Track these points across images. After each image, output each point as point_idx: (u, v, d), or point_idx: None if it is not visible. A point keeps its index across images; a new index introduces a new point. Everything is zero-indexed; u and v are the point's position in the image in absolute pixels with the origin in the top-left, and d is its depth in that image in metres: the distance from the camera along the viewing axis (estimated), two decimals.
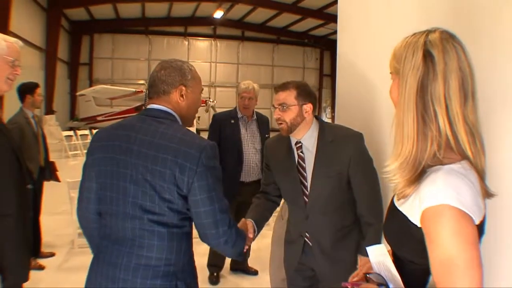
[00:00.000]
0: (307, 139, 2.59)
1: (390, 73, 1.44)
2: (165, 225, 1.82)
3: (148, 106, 2.00)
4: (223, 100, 30.79)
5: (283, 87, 2.56)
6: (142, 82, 26.68)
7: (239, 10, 26.67)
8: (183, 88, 1.99)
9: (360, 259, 2.52)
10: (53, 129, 20.24)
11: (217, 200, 1.86)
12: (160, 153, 1.80)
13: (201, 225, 1.86)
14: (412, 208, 1.32)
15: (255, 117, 4.81)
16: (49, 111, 21.24)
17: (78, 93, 23.47)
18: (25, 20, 18.40)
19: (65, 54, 25.82)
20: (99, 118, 21.99)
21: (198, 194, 1.80)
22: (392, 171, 1.35)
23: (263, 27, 30.57)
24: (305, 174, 2.59)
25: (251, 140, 4.69)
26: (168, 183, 1.79)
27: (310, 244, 2.65)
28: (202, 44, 31.65)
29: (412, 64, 1.30)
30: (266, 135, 4.71)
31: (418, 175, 1.30)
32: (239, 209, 4.36)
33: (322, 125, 2.62)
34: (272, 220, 3.12)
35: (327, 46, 32.43)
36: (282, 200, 3.01)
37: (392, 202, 1.50)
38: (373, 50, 2.87)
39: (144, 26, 28.98)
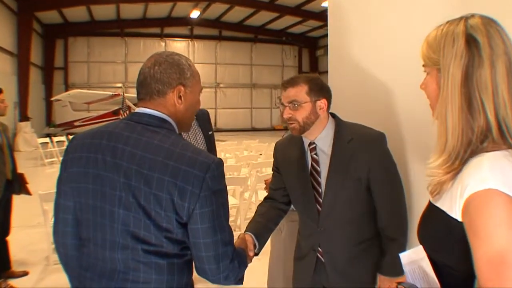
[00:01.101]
0: (322, 140, 2.29)
1: (423, 65, 1.33)
2: (164, 256, 1.52)
3: (138, 110, 1.65)
4: (202, 101, 29.88)
5: (292, 82, 2.25)
6: (119, 85, 26.25)
7: (216, 10, 26.49)
8: (182, 88, 1.65)
9: (380, 279, 2.27)
10: (28, 136, 19.86)
11: (221, 230, 1.55)
12: (155, 172, 1.47)
13: (199, 258, 1.55)
14: (452, 200, 1.18)
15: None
16: (24, 117, 20.83)
17: (53, 99, 22.94)
18: None
19: (38, 58, 25.31)
20: (77, 123, 21.57)
21: (199, 223, 1.50)
22: (435, 167, 1.24)
23: (241, 26, 30.50)
24: (319, 179, 2.29)
25: (193, 142, 4.16)
26: (165, 210, 1.46)
27: (323, 259, 2.34)
28: (179, 45, 31.45)
29: (454, 52, 1.20)
30: (210, 132, 4.21)
31: (458, 165, 1.20)
32: None
33: (339, 124, 2.32)
34: None
35: (306, 43, 32.60)
36: None
37: (428, 203, 1.35)
38: (369, 44, 2.70)
39: (120, 28, 28.65)
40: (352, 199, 2.24)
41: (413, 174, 2.40)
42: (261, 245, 2.26)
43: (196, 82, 1.74)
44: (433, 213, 1.28)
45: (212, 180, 1.50)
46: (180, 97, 1.65)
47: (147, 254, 1.49)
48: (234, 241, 1.73)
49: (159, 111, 1.62)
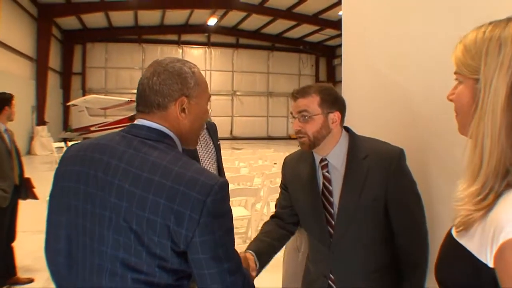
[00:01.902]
0: (334, 156, 2.09)
1: (456, 73, 1.14)
2: (155, 287, 1.33)
3: (137, 121, 1.48)
4: (219, 109, 30.80)
5: (303, 92, 2.05)
6: (136, 91, 26.36)
7: (233, 17, 26.55)
8: (185, 99, 1.47)
9: None
10: (44, 140, 20.02)
11: (226, 258, 1.35)
12: (149, 193, 1.29)
13: None
14: (483, 242, 1.00)
15: (205, 125, 4.44)
16: (41, 122, 21.03)
17: (68, 103, 23.19)
18: (15, 29, 18.20)
19: (57, 63, 25.62)
20: (93, 129, 21.75)
21: (200, 253, 1.31)
22: (465, 197, 1.06)
23: (258, 34, 30.54)
24: (331, 199, 2.08)
25: (205, 150, 4.25)
26: (159, 236, 1.28)
27: (335, 287, 2.13)
28: (196, 52, 31.60)
29: (500, 61, 1.01)
30: (218, 142, 4.29)
31: (492, 200, 1.01)
32: None
33: (354, 138, 2.11)
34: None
35: (323, 52, 32.50)
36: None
37: (449, 234, 1.17)
38: (385, 53, 2.53)
39: (137, 35, 28.88)
40: (368, 222, 2.04)
41: (435, 194, 2.17)
42: (262, 265, 2.08)
43: (202, 90, 1.54)
44: (457, 252, 1.10)
45: (214, 205, 1.30)
46: (183, 110, 1.47)
47: (137, 283, 1.32)
48: None
49: (159, 124, 1.45)
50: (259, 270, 2.04)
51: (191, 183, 1.30)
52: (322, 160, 2.11)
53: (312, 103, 2.02)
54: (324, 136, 2.04)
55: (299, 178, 2.22)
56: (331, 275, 2.12)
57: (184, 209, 1.28)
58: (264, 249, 2.13)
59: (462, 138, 1.11)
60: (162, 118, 1.45)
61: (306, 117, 2.02)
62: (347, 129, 2.14)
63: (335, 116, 2.04)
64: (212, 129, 4.18)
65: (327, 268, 2.12)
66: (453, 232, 1.12)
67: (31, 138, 20.17)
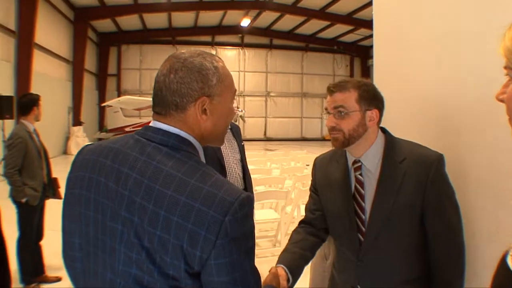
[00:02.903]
0: (369, 158, 1.93)
1: (505, 67, 0.92)
2: None
3: (152, 123, 1.33)
4: (253, 110, 30.80)
5: (340, 87, 1.89)
6: None
7: (267, 18, 26.46)
8: (206, 99, 1.30)
9: None
10: (80, 141, 20.41)
11: (243, 282, 1.19)
12: (162, 209, 1.15)
13: None
14: None
15: (229, 126, 4.32)
16: (77, 122, 21.47)
17: (103, 104, 23.58)
18: (52, 32, 18.61)
19: (93, 65, 26.13)
20: (127, 129, 22.01)
21: (215, 276, 1.16)
22: None
23: (291, 35, 30.39)
24: (363, 204, 1.93)
25: (231, 151, 4.25)
26: (171, 257, 1.15)
27: None
28: (230, 53, 31.67)
29: None
30: (242, 143, 4.29)
31: None
32: None
33: (390, 140, 1.95)
34: None
35: (357, 52, 32.05)
36: None
37: (503, 262, 0.95)
38: (420, 52, 2.34)
39: (171, 36, 29.15)
40: (401, 230, 1.86)
41: (474, 204, 1.96)
42: (296, 279, 1.91)
43: (226, 87, 1.36)
44: None
45: (233, 225, 1.15)
46: (204, 111, 1.30)
47: None
48: (265, 276, 1.39)
49: (177, 128, 1.29)
50: (292, 284, 1.89)
51: (208, 199, 1.15)
52: (355, 162, 1.96)
53: (349, 98, 1.86)
54: (360, 135, 1.88)
55: (330, 181, 2.07)
56: (359, 286, 1.94)
57: (199, 228, 1.13)
58: (296, 262, 1.97)
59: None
60: (181, 120, 1.29)
61: (343, 113, 1.86)
62: (383, 130, 1.98)
63: (373, 114, 1.88)
64: (236, 130, 4.16)
65: (355, 278, 1.95)
66: (509, 262, 0.91)
67: (67, 138, 20.59)
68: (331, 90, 1.90)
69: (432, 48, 2.22)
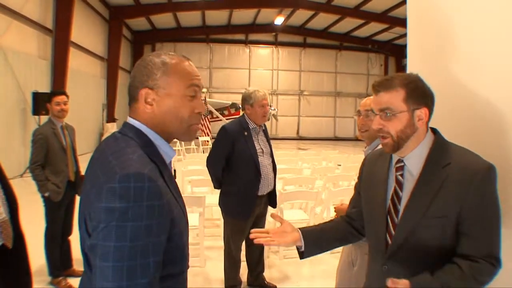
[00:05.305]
0: (413, 159, 1.81)
1: None
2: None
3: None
4: (285, 108, 30.76)
5: (386, 85, 1.78)
6: (203, 90, 26.75)
7: (300, 16, 26.27)
8: (149, 91, 1.43)
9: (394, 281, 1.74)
10: None
11: (101, 254, 1.21)
12: (89, 183, 1.34)
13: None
14: None
15: (263, 126, 4.50)
16: (111, 119, 21.82)
17: None
18: (87, 30, 18.91)
19: (127, 63, 26.46)
20: None
21: (94, 237, 1.23)
22: None
23: (325, 33, 30.11)
24: (398, 207, 1.82)
25: (265, 151, 4.43)
26: (89, 219, 1.28)
27: None
28: (263, 52, 31.61)
29: None
30: (270, 142, 4.56)
31: None
32: (256, 221, 4.45)
33: (439, 142, 1.81)
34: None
35: (392, 51, 31.52)
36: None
37: None
38: (459, 52, 2.18)
39: (205, 35, 29.31)
40: (430, 239, 1.72)
41: None
42: (309, 249, 2.01)
43: (174, 81, 1.45)
44: None
45: (110, 194, 1.21)
46: (149, 102, 1.44)
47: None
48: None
49: (134, 119, 1.46)
50: (305, 251, 2.01)
51: (108, 170, 1.27)
52: (398, 161, 1.85)
53: (396, 98, 1.74)
54: (408, 136, 1.77)
55: (373, 178, 1.99)
56: None
57: (96, 194, 1.25)
58: (316, 234, 2.05)
59: None
60: (134, 111, 1.46)
61: (389, 114, 1.75)
62: (434, 131, 1.84)
63: (422, 113, 1.75)
64: (266, 129, 4.54)
65: (379, 284, 1.84)
66: None
67: (101, 135, 20.91)
68: (377, 89, 1.79)
69: (469, 47, 2.07)
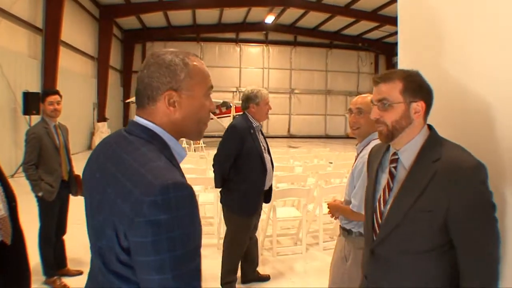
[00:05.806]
0: (406, 152, 1.86)
1: None
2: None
3: (135, 118, 1.46)
4: (276, 107, 30.64)
5: (385, 77, 1.86)
6: None
7: (291, 15, 26.32)
8: (173, 93, 1.40)
9: None
10: (104, 136, 20.55)
11: (157, 268, 1.20)
12: (110, 187, 1.31)
13: None
14: None
15: (260, 126, 4.61)
16: (101, 118, 21.73)
17: (128, 100, 23.87)
18: (77, 29, 18.83)
19: (117, 62, 26.39)
20: None
21: (134, 254, 1.22)
22: None
23: (316, 32, 30.20)
24: (387, 197, 1.88)
25: (266, 147, 4.55)
26: (110, 230, 1.28)
27: None
28: (254, 50, 31.64)
29: None
30: (266, 140, 4.67)
31: None
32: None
33: (432, 137, 1.86)
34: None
35: (382, 49, 31.68)
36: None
37: None
38: (447, 51, 2.23)
39: (196, 33, 29.28)
40: (416, 233, 1.77)
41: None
42: None
43: (197, 83, 1.45)
44: None
45: (152, 207, 1.18)
46: (173, 103, 1.41)
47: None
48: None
49: (149, 121, 1.42)
50: None
51: (139, 181, 1.24)
52: (393, 154, 1.92)
53: (393, 89, 1.82)
54: (403, 128, 1.83)
55: (372, 169, 2.09)
56: (367, 277, 1.97)
57: (125, 206, 1.22)
58: None
59: None
60: (152, 113, 1.42)
61: (386, 105, 1.82)
62: (430, 127, 1.90)
63: (418, 106, 1.82)
64: (261, 130, 4.60)
65: (367, 270, 1.98)
66: None
67: (92, 134, 20.84)
68: (376, 81, 1.88)
69: (460, 45, 2.12)
